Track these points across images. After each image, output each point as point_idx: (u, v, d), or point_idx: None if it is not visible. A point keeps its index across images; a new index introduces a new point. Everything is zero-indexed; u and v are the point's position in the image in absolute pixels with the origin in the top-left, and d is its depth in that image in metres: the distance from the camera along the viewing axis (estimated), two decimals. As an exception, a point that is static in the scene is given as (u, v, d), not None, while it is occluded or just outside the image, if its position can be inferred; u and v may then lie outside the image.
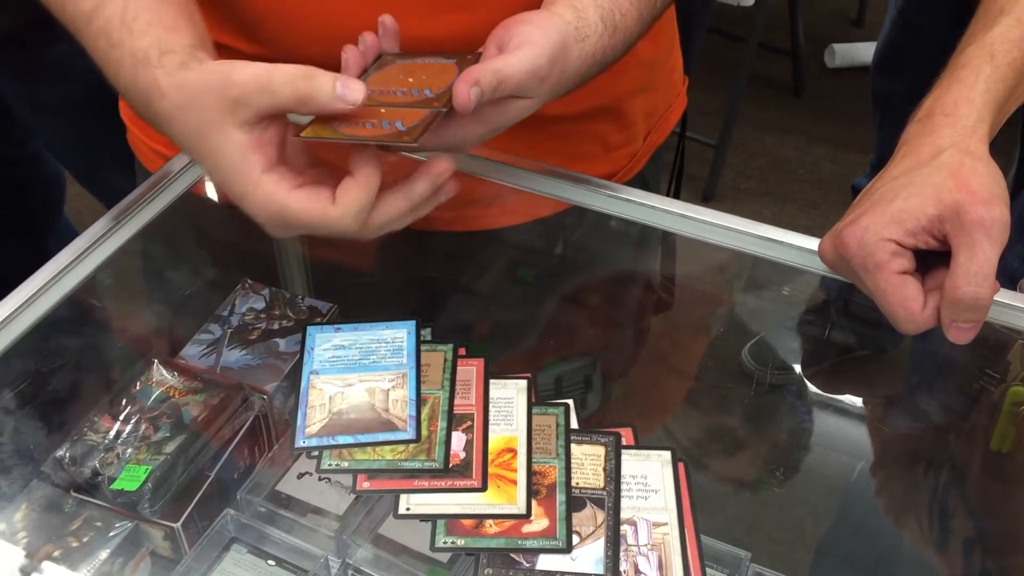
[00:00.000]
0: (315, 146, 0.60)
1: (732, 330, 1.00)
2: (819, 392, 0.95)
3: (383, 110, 0.60)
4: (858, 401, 0.94)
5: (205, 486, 0.69)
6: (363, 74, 0.64)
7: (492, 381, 0.62)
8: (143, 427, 0.69)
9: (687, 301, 1.02)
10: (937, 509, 0.85)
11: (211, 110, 0.58)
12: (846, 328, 0.96)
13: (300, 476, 0.72)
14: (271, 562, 0.69)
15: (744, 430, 0.95)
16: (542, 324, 0.96)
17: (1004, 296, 0.71)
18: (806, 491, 0.89)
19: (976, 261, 0.57)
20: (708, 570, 0.68)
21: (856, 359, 0.97)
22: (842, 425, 0.94)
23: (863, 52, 2.66)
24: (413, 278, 0.95)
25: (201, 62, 0.60)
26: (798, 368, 0.98)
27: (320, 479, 0.72)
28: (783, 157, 2.46)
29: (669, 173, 1.20)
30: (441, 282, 0.97)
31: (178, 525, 0.67)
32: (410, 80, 0.62)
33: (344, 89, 0.56)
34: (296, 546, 0.69)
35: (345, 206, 0.57)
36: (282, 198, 0.57)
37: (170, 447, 0.68)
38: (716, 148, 2.24)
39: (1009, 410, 0.77)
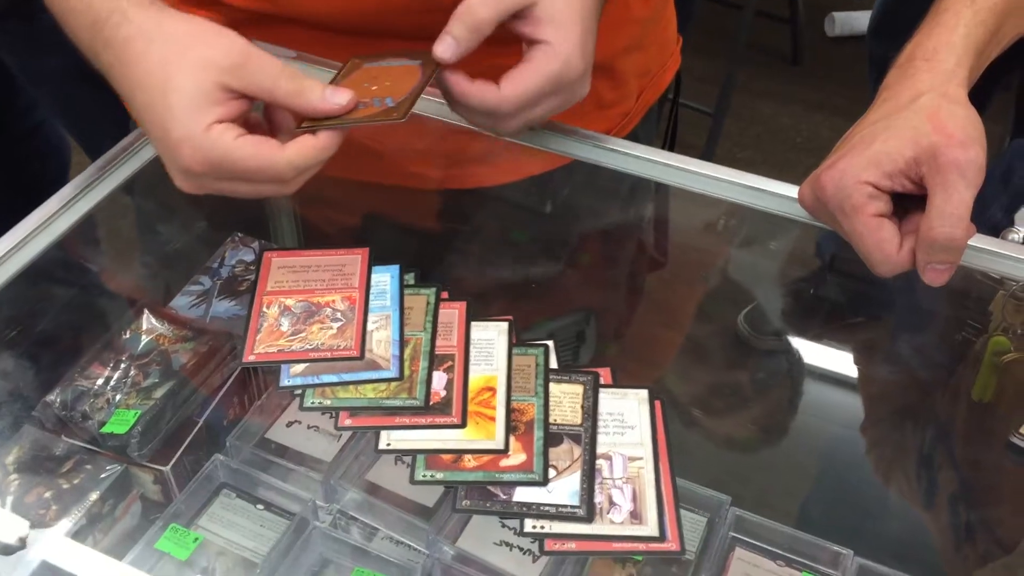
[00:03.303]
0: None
1: (727, 287, 1.01)
2: (811, 352, 0.96)
3: (374, 88, 0.64)
4: (848, 361, 0.95)
5: (194, 432, 0.70)
6: (332, 80, 0.67)
7: (474, 323, 0.63)
8: (133, 373, 0.70)
9: (682, 257, 1.02)
10: (921, 462, 0.86)
11: (198, 55, 0.59)
12: (841, 288, 0.97)
13: (289, 424, 0.73)
14: (260, 506, 0.70)
15: (735, 388, 0.96)
16: (535, 281, 0.96)
17: (987, 243, 0.72)
18: (795, 448, 0.90)
19: (951, 202, 0.58)
20: (689, 514, 0.70)
21: (849, 324, 0.98)
22: (831, 384, 0.95)
23: (863, 21, 2.64)
24: (403, 234, 0.96)
25: (174, 12, 0.62)
26: (791, 330, 0.98)
27: (308, 427, 0.73)
28: (781, 125, 2.45)
29: (663, 137, 1.21)
30: (432, 239, 0.97)
31: (167, 469, 0.68)
32: (373, 88, 0.65)
33: (333, 94, 0.62)
34: (284, 490, 0.70)
35: (294, 156, 0.60)
36: (227, 142, 0.59)
37: (159, 393, 0.69)
38: (713, 116, 2.24)
39: (990, 360, 0.78)
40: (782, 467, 0.88)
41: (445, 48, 0.64)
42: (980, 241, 0.71)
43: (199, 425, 0.70)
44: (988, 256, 0.72)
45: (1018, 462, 0.69)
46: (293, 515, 0.69)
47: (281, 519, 0.69)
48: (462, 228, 0.96)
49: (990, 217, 0.86)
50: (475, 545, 0.65)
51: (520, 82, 0.65)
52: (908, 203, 0.62)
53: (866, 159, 0.61)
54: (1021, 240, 0.77)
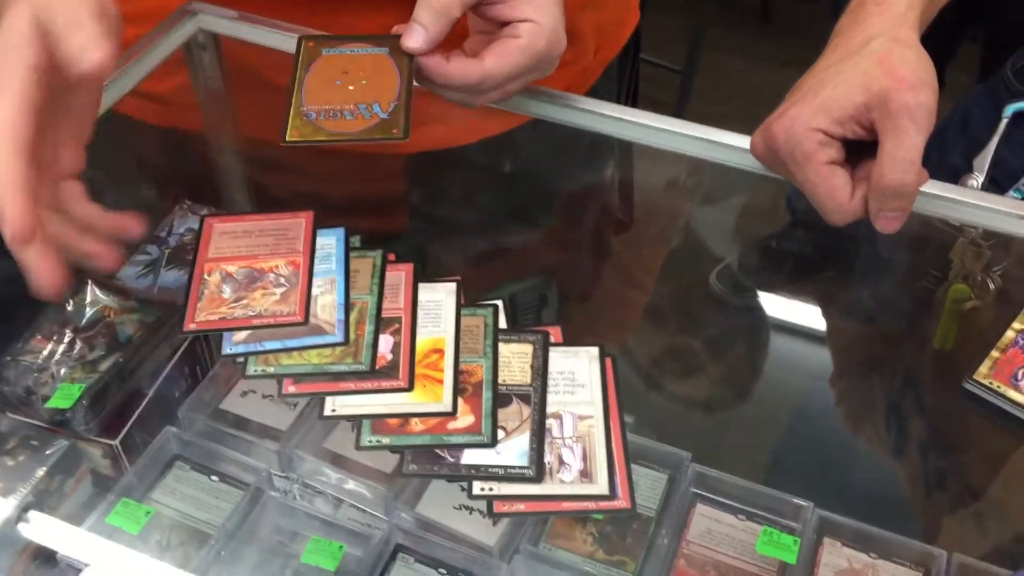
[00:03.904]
0: None
1: (695, 245, 1.00)
2: (782, 307, 0.95)
3: (351, 88, 0.61)
4: (818, 315, 0.94)
5: (143, 404, 0.69)
6: (293, 74, 0.63)
7: (421, 285, 0.62)
8: (78, 347, 0.69)
9: (647, 215, 1.01)
10: (885, 412, 0.86)
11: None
12: (810, 241, 0.96)
13: (244, 394, 0.72)
14: (214, 478, 0.69)
15: (705, 346, 0.95)
16: (494, 243, 0.95)
17: (945, 190, 0.71)
18: (764, 404, 0.89)
19: (903, 148, 0.57)
20: (649, 471, 0.69)
21: (821, 277, 0.98)
22: (802, 337, 0.95)
23: (834, -26, 2.62)
24: (360, 199, 0.95)
25: None
26: (764, 286, 0.98)
27: (263, 396, 0.72)
28: (752, 82, 2.43)
29: (625, 95, 1.19)
30: (390, 203, 0.96)
31: (116, 442, 0.66)
32: (350, 89, 0.61)
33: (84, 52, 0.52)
34: (239, 461, 0.69)
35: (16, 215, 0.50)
36: (12, 104, 0.51)
37: (105, 365, 0.67)
38: (683, 74, 2.22)
39: (951, 308, 0.78)
40: (752, 423, 0.88)
41: (415, 38, 0.61)
42: (939, 188, 0.70)
43: (148, 397, 0.69)
44: (946, 203, 0.71)
45: (974, 409, 0.69)
46: (248, 485, 0.68)
47: (236, 490, 0.68)
48: (420, 191, 0.95)
49: (950, 164, 0.85)
50: (435, 510, 0.65)
51: (507, 58, 0.63)
52: (861, 150, 0.61)
53: (816, 106, 0.60)
54: (979, 186, 0.76)
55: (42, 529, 0.57)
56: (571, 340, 0.60)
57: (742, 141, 0.73)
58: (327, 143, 0.60)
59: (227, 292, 0.60)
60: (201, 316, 0.59)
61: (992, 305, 0.76)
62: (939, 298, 0.79)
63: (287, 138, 0.60)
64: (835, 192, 0.59)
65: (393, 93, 0.61)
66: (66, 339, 0.69)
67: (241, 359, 0.58)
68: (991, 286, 0.76)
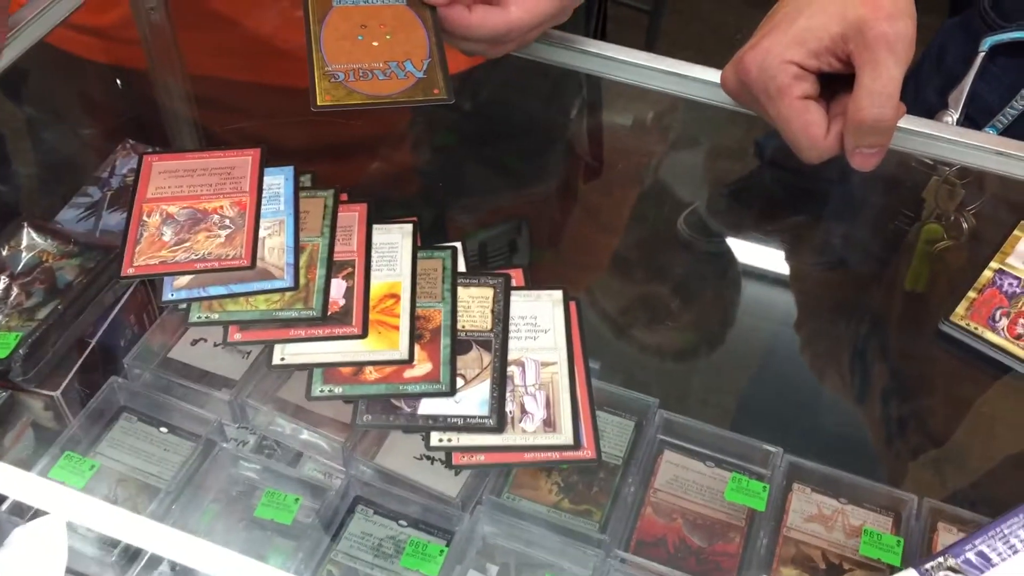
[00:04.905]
0: None
1: (664, 187, 0.97)
2: (750, 252, 0.93)
3: (375, 44, 0.57)
4: (788, 261, 0.92)
5: (86, 354, 0.65)
6: (307, 29, 0.59)
7: (376, 226, 0.59)
8: (14, 293, 0.65)
9: (616, 155, 0.98)
10: (855, 356, 0.84)
11: None
12: (781, 185, 0.94)
13: (194, 343, 0.69)
14: (163, 430, 0.66)
15: (674, 291, 0.94)
16: (462, 187, 0.92)
17: (920, 125, 0.69)
18: (731, 352, 0.88)
19: (880, 80, 0.55)
20: (616, 418, 0.67)
21: (790, 222, 0.96)
22: (770, 283, 0.93)
23: (804, -89, 2.57)
24: (317, 144, 0.91)
25: None
26: (732, 231, 0.96)
27: (215, 345, 0.69)
28: (721, 22, 2.39)
29: (591, 36, 1.15)
30: (350, 148, 0.92)
31: (57, 394, 0.63)
32: (374, 44, 0.57)
33: None
34: (190, 412, 0.66)
35: None
36: None
37: (43, 313, 0.64)
38: (650, 14, 2.18)
39: (923, 249, 0.76)
40: (721, 369, 0.86)
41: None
42: (913, 123, 0.68)
43: (91, 346, 0.66)
44: (922, 139, 0.69)
45: (948, 350, 0.68)
46: (199, 437, 0.65)
47: (187, 442, 0.66)
48: (381, 133, 0.91)
49: (925, 100, 0.83)
50: (395, 460, 0.62)
51: (535, 6, 0.60)
52: (836, 84, 0.59)
53: (791, 37, 0.57)
54: (954, 123, 0.74)
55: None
56: (539, 286, 0.58)
57: (712, 75, 0.71)
58: (363, 107, 0.55)
59: (168, 234, 0.57)
60: (140, 260, 0.56)
61: (965, 245, 0.75)
62: (911, 239, 0.77)
63: (318, 103, 0.55)
64: (810, 128, 0.57)
65: (423, 48, 0.57)
66: (1, 285, 0.65)
67: (183, 305, 0.54)
68: (964, 226, 0.74)
